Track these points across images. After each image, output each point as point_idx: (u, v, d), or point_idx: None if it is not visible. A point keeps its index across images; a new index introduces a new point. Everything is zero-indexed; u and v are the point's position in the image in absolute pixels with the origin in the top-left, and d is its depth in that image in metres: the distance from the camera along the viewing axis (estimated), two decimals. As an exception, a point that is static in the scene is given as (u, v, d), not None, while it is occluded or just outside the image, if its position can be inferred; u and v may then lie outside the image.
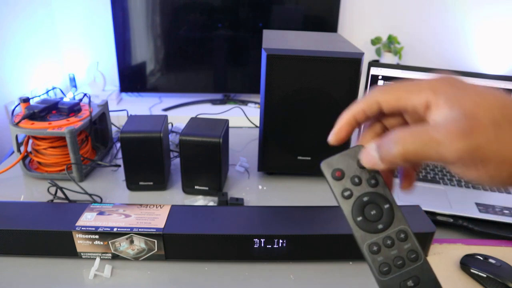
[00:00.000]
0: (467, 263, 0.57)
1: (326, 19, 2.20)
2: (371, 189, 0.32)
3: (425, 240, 0.57)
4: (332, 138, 0.33)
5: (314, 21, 2.20)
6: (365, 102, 0.31)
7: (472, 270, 0.56)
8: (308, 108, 0.74)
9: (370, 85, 0.83)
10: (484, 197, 0.74)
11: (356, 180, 0.32)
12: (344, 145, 0.33)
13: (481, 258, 0.57)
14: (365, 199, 0.32)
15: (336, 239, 0.56)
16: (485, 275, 0.54)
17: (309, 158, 0.78)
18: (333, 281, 0.55)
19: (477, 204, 0.71)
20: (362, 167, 0.32)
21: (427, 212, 0.63)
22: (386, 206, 0.32)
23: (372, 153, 0.29)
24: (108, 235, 0.55)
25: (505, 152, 0.25)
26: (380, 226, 0.31)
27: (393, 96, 0.30)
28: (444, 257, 0.60)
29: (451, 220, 0.67)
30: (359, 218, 0.32)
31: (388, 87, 0.31)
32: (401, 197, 0.73)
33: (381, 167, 0.29)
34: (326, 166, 0.32)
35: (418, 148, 0.26)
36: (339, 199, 0.32)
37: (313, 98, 0.73)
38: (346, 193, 0.32)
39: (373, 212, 0.31)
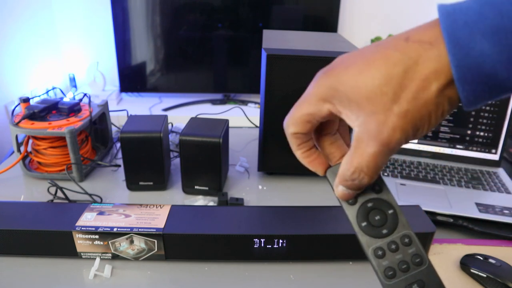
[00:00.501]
0: (467, 263, 0.57)
1: (326, 19, 2.20)
2: (375, 195, 0.33)
3: (425, 240, 0.57)
4: (320, 172, 0.34)
5: (314, 21, 2.20)
6: (292, 140, 0.33)
7: (472, 270, 0.56)
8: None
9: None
10: (484, 197, 0.74)
11: None
12: None
13: (481, 258, 0.57)
14: (370, 205, 0.32)
15: (336, 239, 0.56)
16: (485, 275, 0.54)
17: (309, 158, 0.78)
18: (333, 281, 0.55)
19: (477, 204, 0.71)
20: None
21: (427, 212, 0.63)
22: (390, 211, 0.32)
23: (346, 192, 0.32)
24: (108, 235, 0.55)
25: (422, 113, 0.26)
26: (384, 231, 0.32)
27: (302, 121, 0.31)
28: (444, 257, 0.60)
29: (451, 220, 0.67)
30: (364, 224, 0.32)
31: (291, 117, 0.32)
32: (401, 197, 0.73)
33: (360, 191, 0.32)
34: (331, 174, 0.33)
35: (374, 166, 0.28)
36: (344, 205, 0.33)
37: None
38: (351, 200, 0.33)
39: (377, 218, 0.32)
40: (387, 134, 0.27)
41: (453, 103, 0.27)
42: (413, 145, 0.90)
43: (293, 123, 0.32)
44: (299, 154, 0.34)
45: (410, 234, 0.32)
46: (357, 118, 0.28)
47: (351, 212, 0.33)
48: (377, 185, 0.33)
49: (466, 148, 0.88)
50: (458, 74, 0.25)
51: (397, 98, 0.26)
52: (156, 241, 0.55)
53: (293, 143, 0.33)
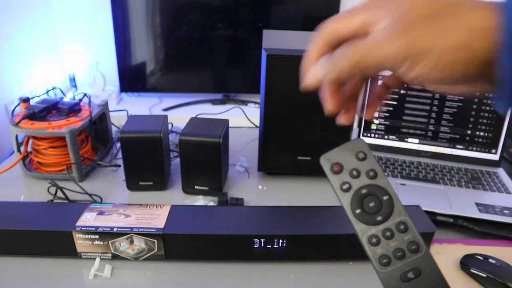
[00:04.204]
0: (467, 263, 0.57)
1: (326, 19, 2.20)
2: (370, 181, 0.32)
3: (425, 240, 0.57)
4: (329, 107, 0.34)
5: (314, 21, 2.20)
6: (319, 44, 0.32)
7: (472, 270, 0.56)
8: (308, 108, 0.74)
9: (369, 84, 0.83)
10: (484, 197, 0.74)
11: (355, 173, 0.32)
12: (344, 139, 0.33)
13: (481, 258, 0.57)
14: (364, 191, 0.32)
15: (336, 239, 0.56)
16: (485, 275, 0.54)
17: (309, 158, 0.78)
18: (333, 281, 0.55)
19: (477, 204, 0.71)
20: (361, 160, 0.32)
21: (427, 212, 0.63)
22: (385, 197, 0.32)
23: (314, 72, 0.31)
24: (108, 235, 0.55)
25: (442, 42, 0.25)
26: (379, 218, 0.31)
27: (332, 28, 0.31)
28: (444, 257, 0.60)
29: (451, 220, 0.67)
30: (358, 211, 0.32)
31: (329, 21, 0.32)
32: (401, 197, 0.73)
33: (329, 82, 0.31)
34: (325, 160, 0.33)
35: (359, 59, 0.28)
36: (338, 193, 0.32)
37: (313, 98, 0.73)
38: (345, 186, 0.32)
39: (371, 204, 0.31)
40: (395, 35, 0.26)
41: (482, 84, 0.26)
42: (413, 145, 0.90)
43: (326, 26, 0.31)
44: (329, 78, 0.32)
45: (406, 220, 0.31)
46: (387, 19, 0.27)
47: (345, 199, 0.32)
48: (372, 171, 0.32)
49: (466, 148, 0.88)
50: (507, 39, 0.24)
51: (433, 16, 0.26)
52: (156, 241, 0.55)
53: (317, 44, 0.32)
